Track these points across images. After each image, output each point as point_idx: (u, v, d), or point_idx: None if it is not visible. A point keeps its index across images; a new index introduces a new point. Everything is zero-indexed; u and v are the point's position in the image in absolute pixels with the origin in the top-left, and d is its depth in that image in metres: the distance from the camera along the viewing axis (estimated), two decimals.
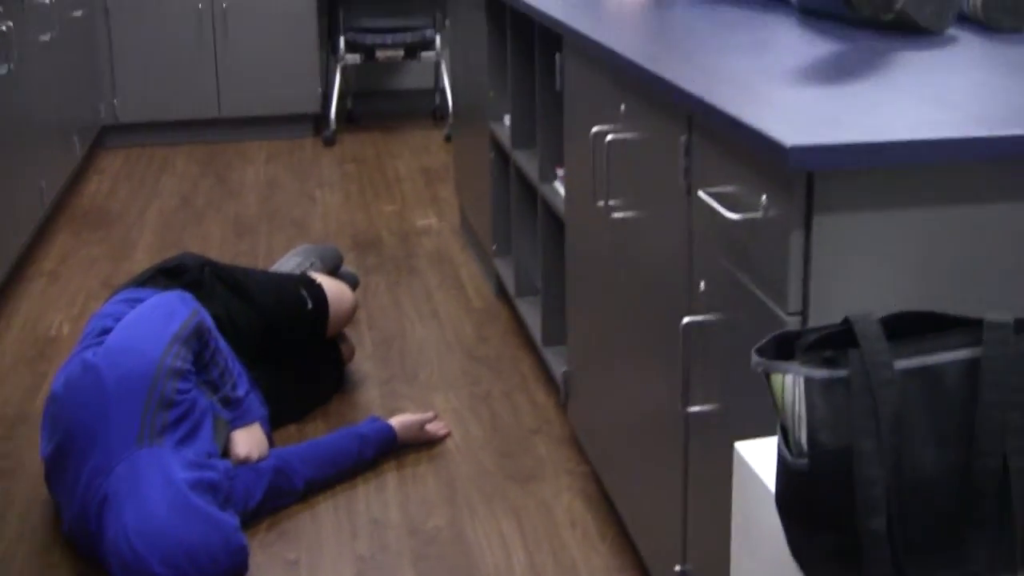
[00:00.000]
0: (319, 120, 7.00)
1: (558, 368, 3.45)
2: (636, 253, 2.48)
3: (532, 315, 3.87)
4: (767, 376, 1.35)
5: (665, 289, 2.28)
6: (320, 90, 6.93)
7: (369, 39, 6.85)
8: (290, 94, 6.84)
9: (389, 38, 6.87)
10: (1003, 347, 1.33)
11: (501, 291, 4.38)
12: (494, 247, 4.30)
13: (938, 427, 1.33)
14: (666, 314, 2.28)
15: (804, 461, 1.32)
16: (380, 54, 6.93)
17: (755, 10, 2.91)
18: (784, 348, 1.36)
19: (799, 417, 1.32)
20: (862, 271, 1.66)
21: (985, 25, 2.58)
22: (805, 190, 1.65)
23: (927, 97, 1.89)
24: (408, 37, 6.88)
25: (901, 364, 1.33)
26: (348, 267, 4.48)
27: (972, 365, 1.34)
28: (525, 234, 4.00)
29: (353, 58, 6.88)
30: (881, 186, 1.64)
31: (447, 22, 6.42)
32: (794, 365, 1.32)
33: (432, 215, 5.43)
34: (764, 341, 1.36)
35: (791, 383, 1.33)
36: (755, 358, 1.34)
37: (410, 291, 4.50)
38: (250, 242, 5.05)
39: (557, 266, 3.53)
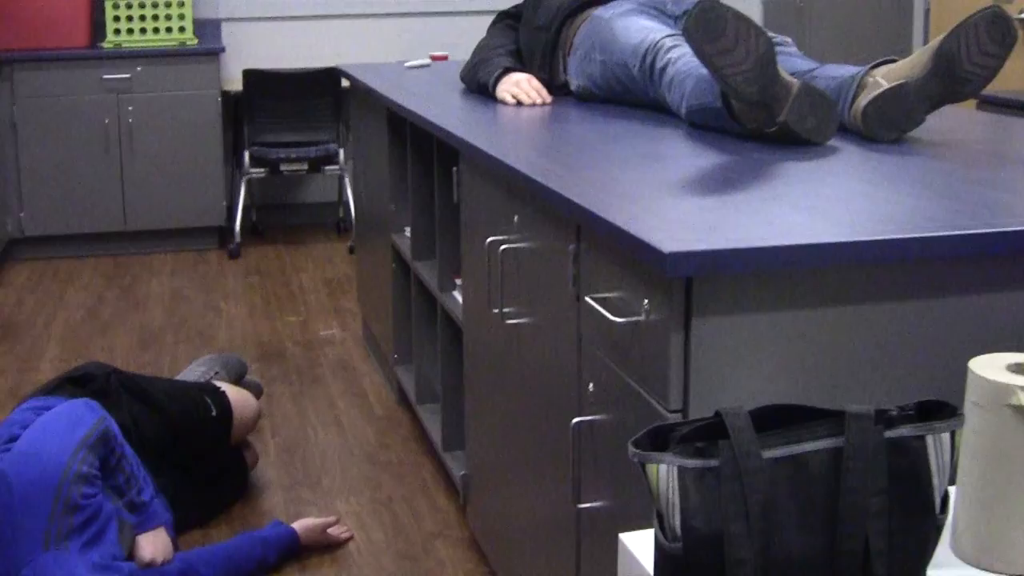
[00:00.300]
0: (224, 233, 7.07)
1: (458, 472, 3.53)
2: (529, 357, 2.58)
3: (432, 421, 3.95)
4: (643, 466, 1.44)
5: (556, 391, 2.38)
6: (225, 203, 7.01)
7: (274, 153, 6.96)
8: (195, 207, 6.92)
9: (293, 152, 6.99)
10: (863, 436, 1.44)
11: (403, 399, 4.46)
12: (395, 356, 4.38)
13: (804, 512, 1.43)
14: (557, 415, 2.37)
15: (678, 545, 1.41)
16: (284, 168, 7.04)
17: (646, 123, 3.04)
18: (659, 440, 1.46)
19: (673, 504, 1.42)
20: (739, 369, 1.76)
21: (864, 136, 2.72)
22: (684, 294, 1.76)
23: (801, 206, 2.01)
24: (312, 151, 7.00)
25: (769, 453, 1.43)
26: (252, 376, 4.53)
27: (835, 454, 1.44)
28: (425, 342, 4.09)
29: (258, 172, 6.98)
30: (756, 290, 1.76)
31: (350, 137, 6.54)
32: (668, 456, 1.42)
33: (335, 325, 5.50)
34: (640, 434, 1.45)
35: (665, 473, 1.42)
36: (631, 450, 1.44)
37: (313, 399, 4.56)
38: (155, 353, 5.09)
39: (456, 373, 3.61)
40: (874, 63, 2.78)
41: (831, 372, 1.79)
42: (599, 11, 3.44)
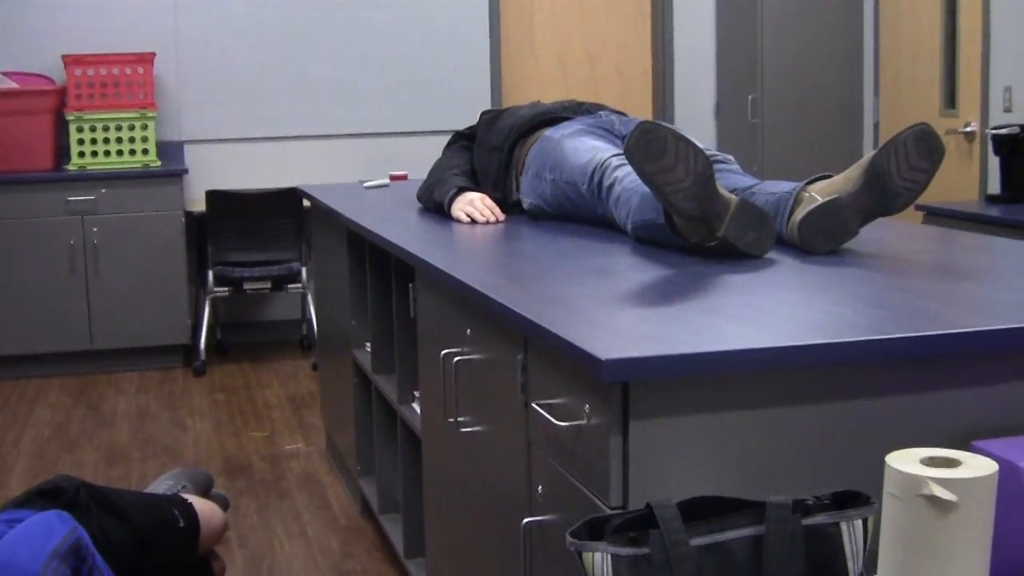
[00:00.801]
0: (189, 351, 7.17)
1: None
2: (483, 463, 2.71)
3: (395, 530, 4.05)
4: (579, 555, 1.57)
5: (508, 494, 2.50)
6: (190, 322, 7.13)
7: (237, 272, 7.09)
8: (160, 326, 7.04)
9: (256, 271, 7.13)
10: (782, 524, 1.58)
11: (366, 509, 4.55)
12: (358, 467, 4.49)
13: None
14: (509, 517, 2.49)
15: None
16: (248, 286, 7.18)
17: (595, 240, 3.20)
18: (595, 530, 1.59)
19: None
20: (673, 466, 1.90)
21: (801, 249, 2.87)
22: (621, 398, 1.89)
23: (734, 316, 2.16)
24: (275, 270, 7.14)
25: (696, 541, 1.56)
26: (219, 490, 4.62)
27: (757, 540, 1.58)
28: (387, 454, 4.20)
29: (222, 290, 7.11)
30: (687, 393, 1.89)
31: (312, 255, 6.69)
32: (603, 544, 1.55)
33: (300, 440, 5.61)
34: (577, 525, 1.58)
35: (600, 560, 1.55)
36: (569, 539, 1.57)
37: (279, 511, 4.65)
38: (123, 469, 5.18)
39: (416, 482, 3.72)
40: (810, 179, 2.94)
41: (757, 467, 1.92)
42: (549, 131, 3.61)
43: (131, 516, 3.55)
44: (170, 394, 6.52)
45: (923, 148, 2.83)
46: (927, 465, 1.71)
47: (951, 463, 1.72)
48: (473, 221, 3.63)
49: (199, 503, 3.79)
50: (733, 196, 2.80)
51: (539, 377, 2.27)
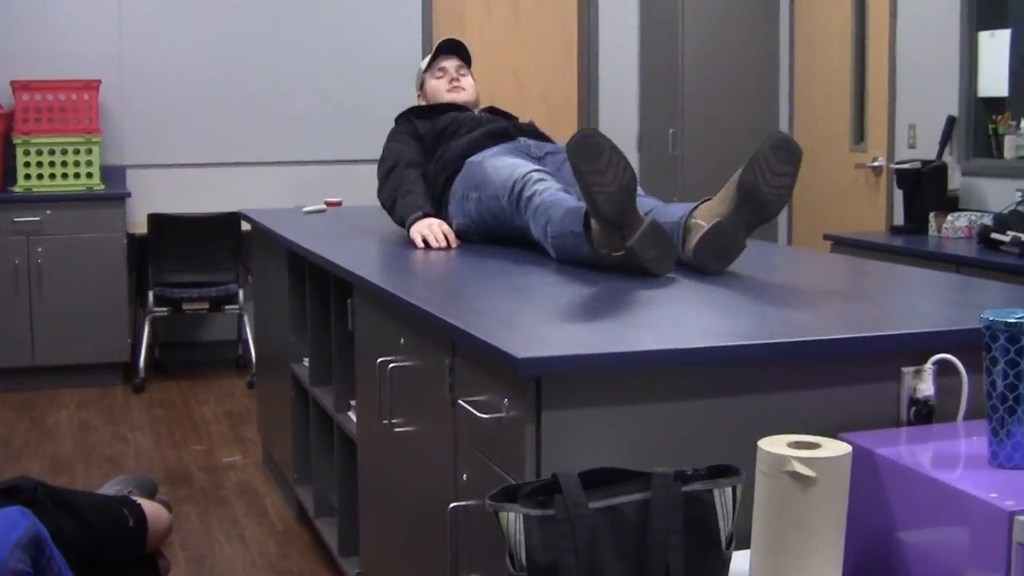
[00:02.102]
0: (129, 368, 7.40)
1: (353, 573, 3.91)
2: (414, 458, 3.01)
3: (330, 532, 4.32)
4: (496, 515, 1.87)
5: (436, 483, 2.80)
6: (129, 340, 7.36)
7: (176, 293, 7.35)
8: (101, 344, 7.28)
9: (195, 292, 7.39)
10: (665, 491, 1.89)
11: (302, 516, 4.83)
12: (295, 476, 4.77)
13: (621, 547, 1.87)
14: (437, 504, 2.79)
15: (524, 574, 1.84)
16: (187, 307, 7.44)
17: (520, 261, 3.50)
18: (510, 496, 1.90)
19: (520, 543, 1.85)
20: (580, 450, 2.21)
21: (698, 270, 3.19)
22: (535, 392, 2.20)
23: (635, 323, 2.49)
24: (213, 291, 7.41)
25: (594, 504, 1.88)
26: (162, 496, 4.87)
27: (644, 504, 1.89)
28: (323, 461, 4.48)
29: (161, 311, 7.36)
30: (593, 387, 2.21)
31: (249, 278, 6.97)
32: (516, 506, 1.86)
33: (237, 453, 5.87)
34: (495, 491, 1.89)
35: (513, 519, 1.85)
36: (488, 502, 1.87)
37: (219, 518, 4.92)
38: (68, 479, 5.41)
39: (351, 485, 4.00)
40: (694, 206, 3.26)
41: (649, 450, 2.24)
42: (473, 157, 3.93)
43: (85, 514, 3.80)
44: (111, 409, 6.76)
45: (782, 154, 3.11)
46: (793, 447, 2.03)
47: (813, 446, 2.04)
48: (427, 245, 3.84)
49: (147, 504, 4.04)
50: (646, 216, 3.12)
51: (465, 377, 2.57)
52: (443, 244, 3.84)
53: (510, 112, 4.47)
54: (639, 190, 3.63)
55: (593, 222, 3.16)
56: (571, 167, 3.06)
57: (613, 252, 3.13)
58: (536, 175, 3.59)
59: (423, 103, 4.45)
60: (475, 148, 4.01)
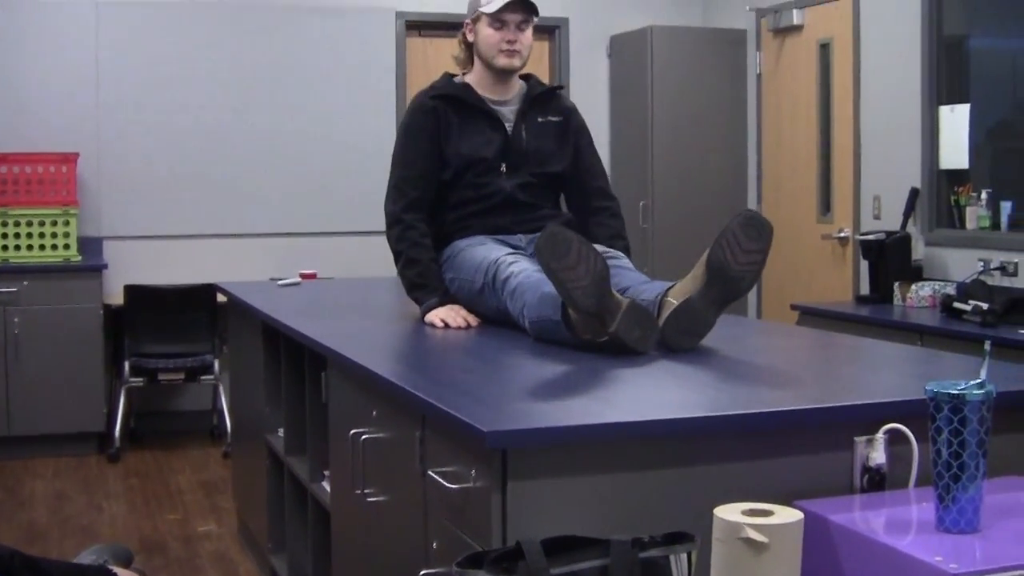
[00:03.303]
0: (104, 438, 7.44)
1: None
2: (386, 527, 3.08)
3: None
4: None
5: (407, 551, 2.88)
6: (105, 410, 7.41)
7: (152, 363, 7.42)
8: (77, 414, 7.32)
9: (171, 363, 7.46)
10: (623, 558, 1.98)
11: None
12: (270, 545, 4.82)
13: None
14: (408, 572, 2.86)
15: None
16: (162, 377, 7.51)
17: (496, 338, 3.60)
18: (476, 562, 1.98)
19: None
20: (544, 518, 2.29)
21: (669, 348, 3.25)
22: (501, 464, 2.29)
23: (600, 397, 2.60)
24: (188, 362, 7.48)
25: (555, 571, 1.96)
26: (137, 565, 4.92)
27: (603, 570, 1.98)
28: (297, 530, 4.54)
29: (137, 381, 7.42)
30: (556, 458, 2.29)
31: (225, 348, 7.05)
32: (481, 573, 1.94)
33: (212, 522, 5.92)
34: (461, 558, 1.97)
35: None
36: (455, 569, 1.96)
37: None
38: (42, 548, 5.44)
39: (325, 553, 4.06)
40: (668, 286, 3.34)
41: (610, 517, 2.32)
42: (458, 242, 3.98)
43: None
44: (86, 479, 6.80)
45: (751, 232, 3.15)
46: (746, 515, 2.12)
47: (766, 513, 2.13)
48: (446, 325, 3.80)
49: (122, 573, 4.09)
50: (624, 298, 3.18)
51: (434, 449, 2.66)
52: (462, 324, 3.78)
53: (549, 85, 4.27)
54: (622, 260, 3.72)
55: (571, 312, 3.21)
56: (542, 266, 3.10)
57: (596, 339, 3.19)
58: (509, 258, 3.66)
59: (471, 40, 4.06)
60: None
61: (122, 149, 7.88)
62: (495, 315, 3.75)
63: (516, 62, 4.01)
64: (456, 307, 3.85)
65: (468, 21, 4.07)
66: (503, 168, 3.99)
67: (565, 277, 3.07)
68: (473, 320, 3.80)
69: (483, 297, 3.75)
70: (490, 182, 3.98)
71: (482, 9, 3.98)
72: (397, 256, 4.00)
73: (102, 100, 7.83)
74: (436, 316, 3.82)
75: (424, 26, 8.50)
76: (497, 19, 3.96)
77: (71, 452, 7.34)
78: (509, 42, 3.97)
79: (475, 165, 3.98)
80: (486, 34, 3.98)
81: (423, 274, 3.93)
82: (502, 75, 4.03)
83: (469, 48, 4.09)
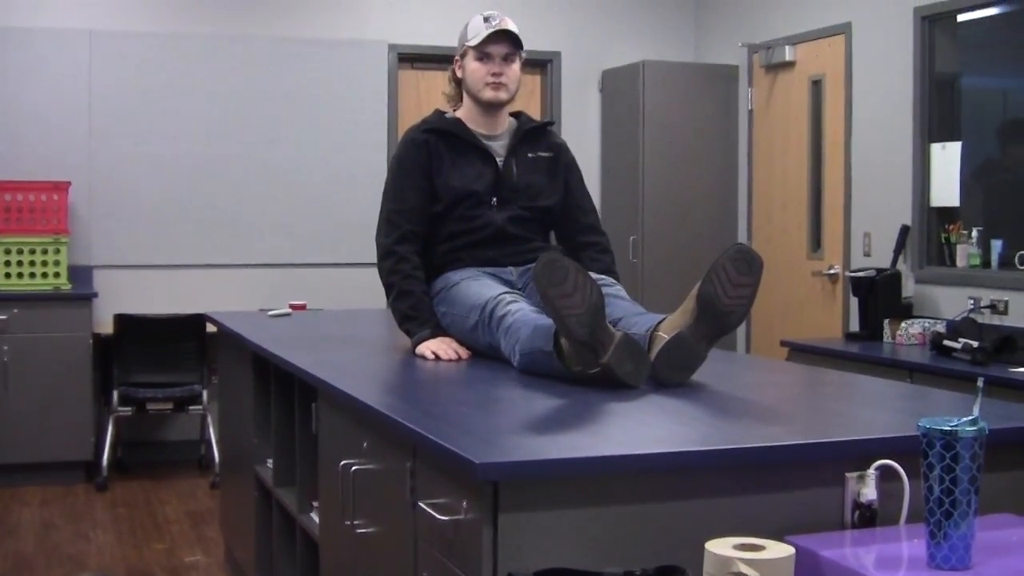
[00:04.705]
0: (92, 467, 7.41)
1: None
2: (376, 559, 3.07)
3: None
4: None
5: None
6: (93, 439, 7.39)
7: (141, 393, 7.40)
8: (65, 443, 7.31)
9: (160, 392, 7.44)
10: None
11: None
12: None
13: None
14: None
15: None
16: (151, 407, 7.49)
17: (486, 370, 3.59)
18: None
19: None
20: (536, 551, 2.28)
21: (661, 382, 3.23)
22: (492, 496, 2.29)
23: (592, 431, 2.60)
24: (177, 392, 7.46)
25: None
26: None
27: None
28: (285, 562, 4.52)
29: (125, 410, 7.40)
30: (548, 490, 2.29)
31: (214, 379, 7.03)
32: None
33: (200, 552, 5.90)
34: None
35: None
36: None
37: None
38: None
39: None
40: (659, 320, 3.35)
41: (602, 550, 2.32)
42: (450, 274, 3.99)
43: None
44: (73, 508, 6.77)
45: (742, 266, 3.16)
46: (738, 549, 2.12)
47: (758, 548, 2.13)
48: (437, 358, 3.79)
49: None
50: (617, 331, 3.18)
51: (425, 480, 2.65)
52: (453, 357, 3.78)
53: (538, 121, 4.24)
54: (615, 288, 3.72)
55: (564, 342, 3.21)
56: (539, 293, 3.12)
57: (588, 370, 3.18)
58: (508, 296, 3.67)
59: (460, 76, 4.09)
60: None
61: (114, 178, 7.88)
62: (485, 351, 3.75)
63: (502, 95, 4.02)
64: (448, 339, 3.85)
65: (457, 57, 4.10)
66: (494, 201, 4.01)
67: (560, 304, 3.07)
68: (464, 353, 3.80)
69: (476, 334, 3.75)
70: (481, 215, 3.99)
71: (468, 43, 4.02)
72: (389, 288, 4.00)
73: (94, 129, 7.83)
74: (427, 348, 3.83)
75: (416, 59, 8.52)
76: (482, 52, 3.99)
77: (59, 481, 7.31)
78: (495, 75, 3.99)
79: (466, 199, 3.99)
80: (472, 68, 4.02)
81: (415, 307, 3.93)
82: (490, 109, 4.05)
83: (458, 84, 4.13)
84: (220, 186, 8.10)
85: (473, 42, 3.99)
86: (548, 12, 8.71)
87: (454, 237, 3.99)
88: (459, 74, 4.10)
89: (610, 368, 3.12)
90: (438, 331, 3.89)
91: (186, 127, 8.02)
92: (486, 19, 4.00)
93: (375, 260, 4.07)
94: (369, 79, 8.37)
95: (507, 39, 3.99)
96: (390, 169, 4.14)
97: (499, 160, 4.05)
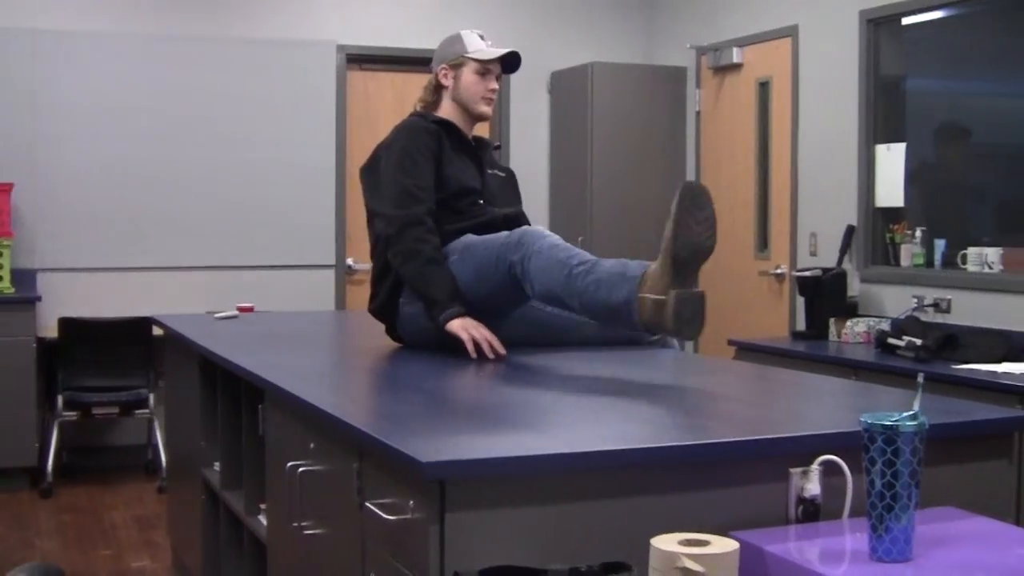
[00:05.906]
0: (36, 473, 7.34)
1: None
2: (324, 560, 3.06)
3: None
4: None
5: None
6: (37, 445, 7.31)
7: (86, 397, 7.34)
8: (8, 448, 7.23)
9: (105, 396, 7.38)
10: None
11: None
12: None
13: None
14: None
15: None
16: (96, 411, 7.43)
17: (438, 369, 3.59)
18: None
19: None
20: (482, 550, 2.28)
21: (676, 334, 3.32)
22: (439, 495, 2.28)
23: (539, 430, 2.59)
24: (123, 396, 7.40)
25: None
26: None
27: None
28: (233, 565, 4.50)
29: (70, 415, 7.34)
30: (494, 489, 2.29)
31: (160, 382, 6.99)
32: None
33: (147, 557, 5.86)
34: None
35: None
36: None
37: None
38: None
39: None
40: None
41: (547, 547, 2.32)
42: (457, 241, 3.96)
43: None
44: (17, 515, 6.71)
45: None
46: (683, 545, 2.13)
47: (703, 543, 2.14)
48: (476, 345, 3.71)
49: None
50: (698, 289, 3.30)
51: (372, 481, 2.65)
52: (488, 354, 3.70)
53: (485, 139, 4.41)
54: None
55: (653, 266, 3.29)
56: (678, 199, 3.20)
57: (654, 296, 3.26)
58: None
59: (446, 84, 4.14)
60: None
61: (58, 180, 7.81)
62: (499, 283, 3.75)
63: (490, 111, 4.18)
64: (481, 326, 3.76)
65: (445, 66, 4.14)
66: (482, 202, 4.10)
67: (691, 218, 3.20)
68: (500, 347, 3.73)
69: (495, 263, 3.74)
70: (481, 208, 4.07)
71: (471, 55, 4.10)
72: (414, 255, 3.87)
73: (38, 130, 7.76)
74: (463, 330, 3.73)
75: (365, 60, 8.50)
76: (485, 68, 4.10)
77: (2, 487, 7.24)
78: (491, 91, 4.12)
79: (467, 193, 4.06)
80: (470, 80, 4.10)
81: (445, 279, 3.84)
82: (476, 120, 4.17)
83: (438, 90, 4.16)
84: (167, 188, 8.04)
85: (479, 55, 4.09)
86: (497, 13, 8.71)
87: (458, 221, 4.00)
88: (444, 82, 4.15)
89: (674, 299, 3.22)
90: (465, 312, 3.79)
91: (132, 128, 7.96)
92: (481, 36, 4.15)
93: (367, 251, 4.11)
94: (317, 80, 8.33)
95: (513, 62, 4.17)
96: (395, 152, 4.03)
97: (484, 166, 4.19)
